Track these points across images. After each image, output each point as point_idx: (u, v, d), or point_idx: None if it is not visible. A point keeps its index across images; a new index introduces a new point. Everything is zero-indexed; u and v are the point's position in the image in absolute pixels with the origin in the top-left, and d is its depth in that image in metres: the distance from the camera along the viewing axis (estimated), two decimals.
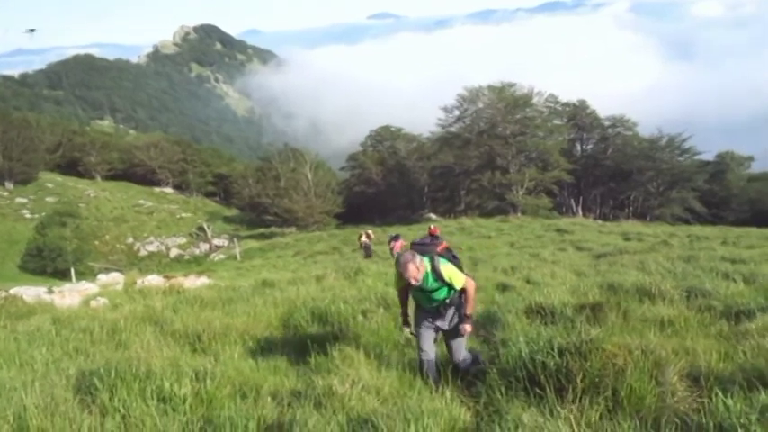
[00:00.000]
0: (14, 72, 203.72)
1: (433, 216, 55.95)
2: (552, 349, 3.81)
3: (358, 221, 56.61)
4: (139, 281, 10.81)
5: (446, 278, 4.60)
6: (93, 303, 8.95)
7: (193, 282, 10.77)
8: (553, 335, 4.08)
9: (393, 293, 7.01)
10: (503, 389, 3.75)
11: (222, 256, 50.32)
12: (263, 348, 5.75)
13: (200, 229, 59.87)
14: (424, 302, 4.82)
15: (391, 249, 20.94)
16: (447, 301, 4.72)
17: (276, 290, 9.20)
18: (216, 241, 58.04)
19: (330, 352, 5.17)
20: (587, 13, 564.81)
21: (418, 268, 4.52)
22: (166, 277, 11.20)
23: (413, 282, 4.56)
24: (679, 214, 53.55)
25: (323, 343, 5.70)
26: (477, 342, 5.67)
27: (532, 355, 3.83)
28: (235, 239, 52.97)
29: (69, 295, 9.46)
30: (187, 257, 55.41)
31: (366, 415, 3.39)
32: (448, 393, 3.65)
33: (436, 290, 4.66)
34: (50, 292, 9.69)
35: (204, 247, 57.57)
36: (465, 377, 4.56)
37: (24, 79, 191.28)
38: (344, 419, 3.35)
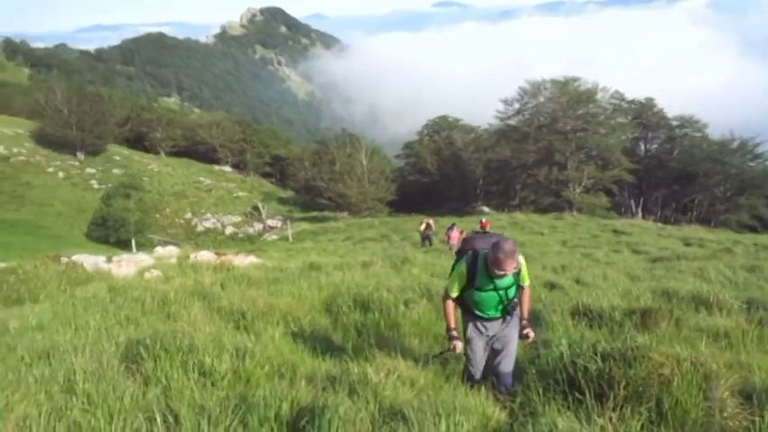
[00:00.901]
0: (91, 47, 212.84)
1: (486, 209, 55.33)
2: (595, 354, 3.69)
3: (410, 210, 56.53)
4: (192, 256, 11.14)
5: (522, 272, 4.22)
6: (147, 275, 9.30)
7: (242, 260, 11.03)
8: (598, 339, 3.95)
9: (437, 285, 6.94)
10: (540, 390, 3.66)
11: (275, 237, 51.31)
12: (304, 330, 5.83)
13: (255, 208, 61.17)
14: (488, 305, 4.22)
15: (448, 239, 20.68)
16: (515, 300, 4.25)
17: (322, 273, 9.30)
18: (270, 221, 59.17)
19: (368, 339, 5.18)
20: (662, 8, 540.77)
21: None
22: (218, 254, 11.51)
23: (507, 274, 4.00)
24: (746, 221, 50.92)
25: (362, 330, 5.72)
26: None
27: (574, 359, 3.72)
28: (288, 221, 53.87)
29: (126, 265, 9.86)
30: (241, 236, 56.77)
31: (398, 406, 3.38)
32: (483, 390, 3.58)
33: (509, 287, 4.17)
34: (109, 261, 10.12)
35: (258, 226, 58.79)
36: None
37: (99, 54, 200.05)
38: (376, 409, 3.34)
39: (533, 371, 3.93)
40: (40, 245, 35.05)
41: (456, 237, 20.13)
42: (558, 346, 3.99)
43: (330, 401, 3.23)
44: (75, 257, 9.53)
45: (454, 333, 4.25)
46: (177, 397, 3.63)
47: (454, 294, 4.32)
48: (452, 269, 4.42)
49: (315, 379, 3.97)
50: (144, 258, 10.71)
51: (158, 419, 3.16)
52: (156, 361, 4.18)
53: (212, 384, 3.93)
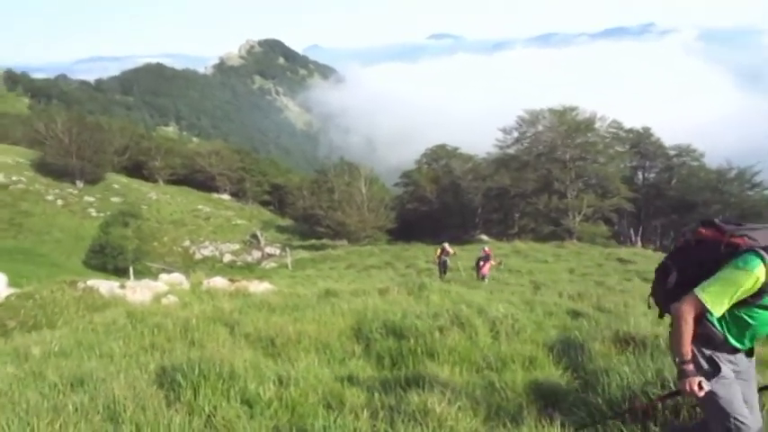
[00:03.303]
0: (91, 77, 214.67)
1: (485, 237, 55.17)
2: (664, 382, 3.52)
3: (409, 238, 56.40)
4: (206, 282, 10.97)
5: None
6: (164, 301, 9.11)
7: (257, 286, 10.85)
8: (660, 367, 3.79)
9: (467, 312, 6.77)
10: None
11: (273, 265, 50.96)
12: (338, 358, 5.64)
13: (254, 236, 60.89)
14: (762, 329, 2.99)
15: (479, 268, 19.88)
16: None
17: (340, 300, 9.11)
18: (268, 249, 58.84)
19: (404, 367, 5.00)
20: (653, 40, 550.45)
21: None
22: (231, 280, 11.34)
23: None
24: None
25: (397, 357, 5.54)
26: (559, 369, 5.37)
27: (644, 388, 3.55)
28: (287, 249, 53.60)
29: (140, 291, 9.66)
30: (239, 264, 56.38)
31: None
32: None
33: None
34: (122, 287, 9.93)
35: (256, 254, 58.43)
36: None
37: (99, 85, 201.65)
38: None
39: (599, 400, 3.75)
40: (38, 273, 34.66)
41: (488, 268, 19.47)
42: (620, 374, 3.83)
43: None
44: (90, 283, 9.35)
45: (691, 367, 2.87)
46: (226, 426, 3.45)
47: (718, 310, 2.88)
48: (722, 270, 2.89)
49: (367, 408, 3.78)
50: (158, 284, 10.51)
51: None
52: (195, 389, 4.00)
53: (260, 413, 3.75)
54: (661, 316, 3.26)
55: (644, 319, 7.08)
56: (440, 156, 70.51)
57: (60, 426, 3.27)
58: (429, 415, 3.56)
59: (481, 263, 19.66)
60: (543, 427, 3.13)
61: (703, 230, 3.10)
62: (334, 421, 3.23)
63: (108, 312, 7.67)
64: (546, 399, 4.21)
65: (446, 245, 23.45)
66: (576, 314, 9.13)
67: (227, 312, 7.53)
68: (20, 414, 3.47)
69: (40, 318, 7.35)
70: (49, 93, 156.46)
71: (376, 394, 4.18)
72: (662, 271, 3.18)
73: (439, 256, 23.27)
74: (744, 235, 2.96)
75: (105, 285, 9.50)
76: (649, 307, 3.27)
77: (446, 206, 63.25)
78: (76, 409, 3.50)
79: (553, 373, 5.13)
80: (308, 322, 6.75)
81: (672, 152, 59.61)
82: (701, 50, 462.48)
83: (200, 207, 68.67)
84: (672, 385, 3.45)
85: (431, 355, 5.51)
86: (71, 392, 3.96)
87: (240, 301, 8.88)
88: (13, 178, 58.68)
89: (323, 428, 3.11)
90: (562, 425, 3.22)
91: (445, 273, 22.63)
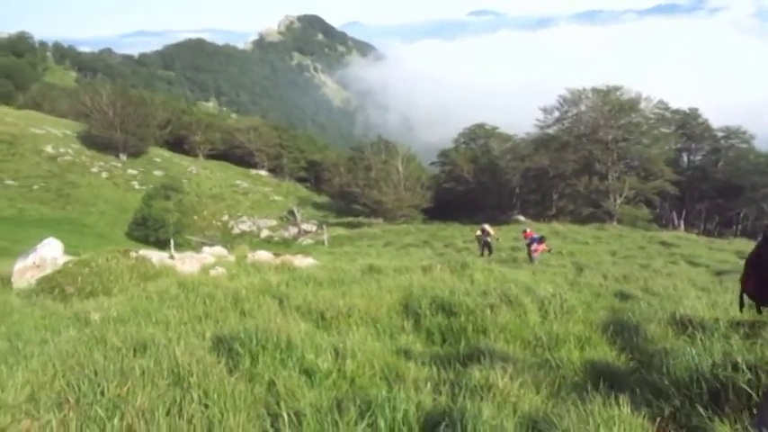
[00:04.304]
0: (134, 52, 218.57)
1: (522, 218, 54.53)
2: (735, 365, 3.40)
3: (445, 218, 56.21)
4: (250, 255, 11.14)
5: None
6: (212, 272, 9.29)
7: (301, 261, 10.96)
8: (728, 350, 3.67)
9: (516, 291, 6.70)
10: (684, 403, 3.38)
11: (310, 241, 51.50)
12: (387, 332, 5.67)
13: (291, 212, 61.55)
14: None
15: (531, 251, 19.07)
16: None
17: (384, 276, 9.13)
18: (304, 226, 59.42)
19: (460, 343, 4.97)
20: (705, 17, 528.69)
21: None
22: (275, 254, 11.48)
23: None
24: None
25: (447, 334, 5.52)
26: (613, 350, 5.27)
27: (714, 370, 3.44)
28: (324, 226, 54.01)
29: (189, 262, 9.86)
30: (276, 239, 57.13)
31: (532, 413, 3.17)
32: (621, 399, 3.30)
33: None
34: (171, 257, 10.16)
35: (293, 230, 59.08)
36: None
37: (142, 59, 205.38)
38: (512, 414, 3.13)
39: (666, 382, 3.65)
40: (84, 243, 35.81)
41: (540, 250, 18.89)
42: (689, 356, 3.72)
43: (469, 406, 3.03)
44: (142, 252, 9.60)
45: None
46: (288, 395, 3.49)
47: None
48: None
49: (428, 383, 3.77)
50: (205, 256, 10.72)
51: (285, 418, 3.01)
52: (253, 357, 4.06)
53: (319, 384, 3.79)
54: (759, 311, 3.09)
55: (698, 303, 6.89)
56: (478, 135, 69.70)
57: (128, 389, 3.36)
58: (492, 390, 3.53)
59: (534, 245, 19.05)
60: (610, 406, 3.06)
61: None
62: (397, 393, 3.23)
63: (160, 281, 7.86)
64: (605, 378, 4.13)
65: (486, 226, 23.15)
66: (624, 296, 8.97)
67: (275, 285, 7.62)
68: (89, 376, 3.58)
69: (96, 285, 7.57)
70: (94, 66, 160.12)
71: (434, 368, 4.18)
72: (757, 261, 2.97)
73: (480, 237, 23.03)
74: None
75: (156, 255, 9.74)
76: (741, 306, 3.06)
77: (483, 186, 62.63)
78: (143, 373, 3.59)
79: (608, 354, 5.04)
80: (356, 297, 6.79)
81: (720, 134, 57.61)
82: (755, 27, 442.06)
83: (238, 182, 69.62)
84: (743, 367, 3.33)
85: (481, 332, 5.48)
86: (135, 357, 4.06)
87: (286, 274, 8.98)
88: (61, 150, 60.43)
89: (387, 400, 3.12)
90: (629, 405, 3.14)
91: (491, 253, 22.34)
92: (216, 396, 3.29)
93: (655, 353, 4.52)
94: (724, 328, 5.10)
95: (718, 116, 60.98)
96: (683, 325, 5.42)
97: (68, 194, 53.20)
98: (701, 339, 4.22)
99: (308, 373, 3.91)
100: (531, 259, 18.46)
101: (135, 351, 4.24)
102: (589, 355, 4.88)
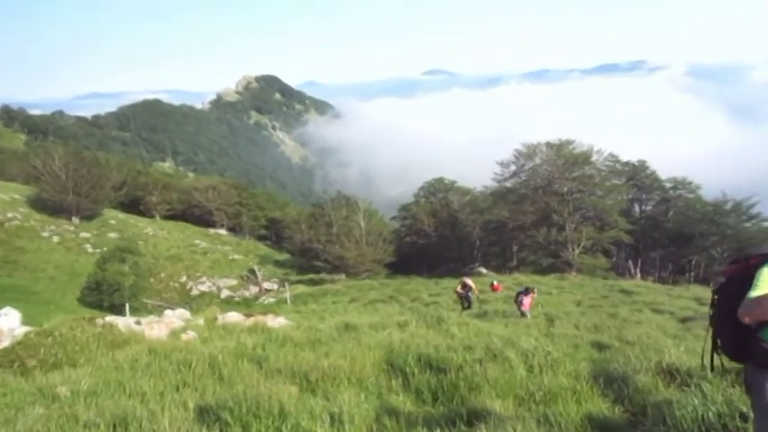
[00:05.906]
0: (88, 113, 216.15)
1: (483, 270, 55.00)
2: (743, 413, 3.40)
3: (408, 271, 56.20)
4: (220, 317, 10.77)
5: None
6: (183, 336, 8.90)
7: (273, 321, 10.65)
8: (729, 398, 3.67)
9: (500, 344, 6.63)
10: None
11: (272, 300, 50.54)
12: (376, 392, 5.48)
13: (251, 271, 60.49)
14: None
15: (520, 304, 18.00)
16: None
17: (362, 334, 8.94)
18: (266, 284, 58.38)
19: (453, 401, 4.84)
20: (643, 76, 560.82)
21: None
22: (246, 315, 11.13)
23: None
24: None
25: (437, 392, 5.38)
26: (606, 402, 5.22)
27: (722, 420, 3.43)
28: (286, 284, 53.20)
29: (157, 327, 9.44)
30: (237, 299, 55.82)
31: None
32: None
33: None
34: (138, 323, 9.72)
35: (254, 289, 57.95)
36: None
37: (96, 120, 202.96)
38: None
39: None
40: (31, 311, 34.14)
41: (529, 303, 17.83)
42: (690, 406, 3.70)
43: None
44: (108, 319, 9.14)
45: None
46: None
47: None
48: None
49: None
50: (173, 320, 10.30)
51: None
52: (244, 427, 3.84)
53: None
54: (738, 361, 3.08)
55: (675, 350, 6.96)
56: (437, 189, 70.71)
57: None
58: None
59: (521, 297, 18.03)
60: None
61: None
62: None
63: (129, 349, 7.47)
64: None
65: (467, 279, 22.64)
66: (600, 346, 9.00)
67: (251, 348, 7.36)
68: None
69: (60, 356, 7.12)
70: (45, 129, 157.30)
71: (438, 431, 4.03)
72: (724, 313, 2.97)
73: (461, 293, 22.19)
74: (761, 252, 3.06)
75: (122, 321, 9.30)
76: (712, 369, 3.07)
77: (444, 239, 63.11)
78: None
79: (601, 406, 4.98)
80: (338, 357, 6.59)
81: (668, 185, 60.03)
82: (690, 86, 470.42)
83: (197, 242, 68.30)
84: (751, 416, 3.33)
85: (473, 389, 5.35)
86: None
87: (261, 336, 8.68)
88: (9, 215, 58.36)
89: None
90: None
91: (470, 307, 21.65)
92: None
93: (649, 403, 4.49)
94: (712, 377, 5.13)
95: (663, 168, 63.67)
96: (671, 374, 5.43)
97: (15, 261, 51.08)
98: (699, 388, 4.22)
99: None
100: (521, 314, 17.33)
101: (114, 426, 3.96)
102: (584, 409, 4.81)
